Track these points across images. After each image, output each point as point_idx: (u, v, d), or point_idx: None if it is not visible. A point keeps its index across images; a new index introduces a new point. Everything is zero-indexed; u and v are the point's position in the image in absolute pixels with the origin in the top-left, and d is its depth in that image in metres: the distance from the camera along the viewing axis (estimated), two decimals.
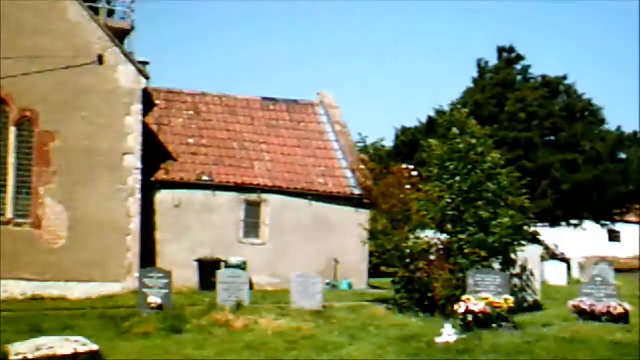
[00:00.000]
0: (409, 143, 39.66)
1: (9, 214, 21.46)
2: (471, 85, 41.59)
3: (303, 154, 26.48)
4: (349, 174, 26.08)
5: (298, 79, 60.70)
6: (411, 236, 19.50)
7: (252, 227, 24.91)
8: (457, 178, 19.13)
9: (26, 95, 21.67)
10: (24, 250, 21.32)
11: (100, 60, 22.41)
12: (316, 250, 24.87)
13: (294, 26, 66.31)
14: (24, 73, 21.46)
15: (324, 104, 28.38)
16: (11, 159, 21.55)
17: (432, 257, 19.17)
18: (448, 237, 19.28)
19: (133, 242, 22.26)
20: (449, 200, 19.03)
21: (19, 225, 21.51)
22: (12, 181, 21.50)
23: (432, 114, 40.04)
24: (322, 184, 25.73)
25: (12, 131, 21.63)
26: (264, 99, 28.08)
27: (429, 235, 19.65)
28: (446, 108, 36.10)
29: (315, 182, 25.68)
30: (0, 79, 21.29)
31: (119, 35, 27.32)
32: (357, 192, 25.21)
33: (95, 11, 27.09)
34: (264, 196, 24.98)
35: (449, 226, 19.25)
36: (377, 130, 71.33)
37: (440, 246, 19.36)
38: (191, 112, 26.64)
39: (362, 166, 24.96)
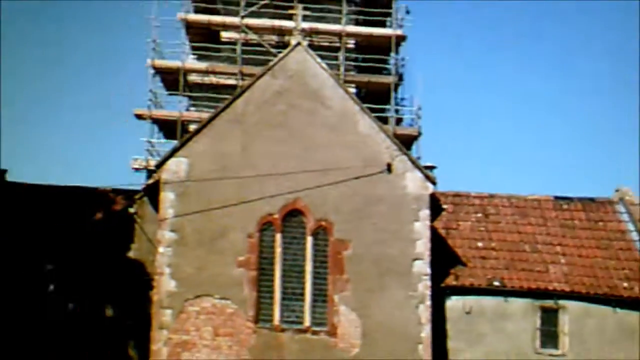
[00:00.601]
0: None
1: (307, 322, 22.19)
2: None
3: (603, 256, 25.12)
4: None
5: (592, 174, 58.52)
6: None
7: (549, 336, 23.76)
8: None
9: (321, 205, 22.60)
10: (320, 358, 21.87)
11: (389, 169, 22.94)
12: None
13: (581, 122, 64.32)
14: (318, 185, 22.54)
15: (624, 201, 27.01)
16: (308, 268, 22.43)
17: None
18: None
19: (425, 351, 22.04)
20: None
21: (315, 333, 22.14)
22: (309, 289, 22.32)
23: None
24: (627, 288, 24.12)
25: (309, 241, 22.56)
26: (557, 197, 27.17)
27: None
28: None
29: (619, 287, 24.15)
30: (298, 192, 22.57)
31: (407, 142, 28.15)
32: None
33: (384, 120, 28.24)
34: (561, 302, 23.85)
35: None
36: None
37: None
38: (479, 215, 26.37)
39: None
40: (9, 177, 25.54)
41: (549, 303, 23.76)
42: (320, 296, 22.32)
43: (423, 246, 22.61)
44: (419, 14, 52.15)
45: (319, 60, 23.63)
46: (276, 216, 22.44)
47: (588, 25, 64.83)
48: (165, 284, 21.67)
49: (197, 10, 30.15)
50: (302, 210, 22.60)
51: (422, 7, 59.41)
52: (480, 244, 25.16)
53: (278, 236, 22.41)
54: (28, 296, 22.49)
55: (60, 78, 59.32)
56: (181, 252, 21.85)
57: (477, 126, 63.28)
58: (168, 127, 28.37)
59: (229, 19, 29.29)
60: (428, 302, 22.30)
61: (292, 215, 22.61)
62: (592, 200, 27.08)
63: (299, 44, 23.69)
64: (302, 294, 22.31)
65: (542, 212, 26.41)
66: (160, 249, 21.87)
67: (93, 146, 56.83)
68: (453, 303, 23.65)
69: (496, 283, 23.95)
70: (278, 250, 22.35)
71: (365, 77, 29.34)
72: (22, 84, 57.50)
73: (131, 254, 23.55)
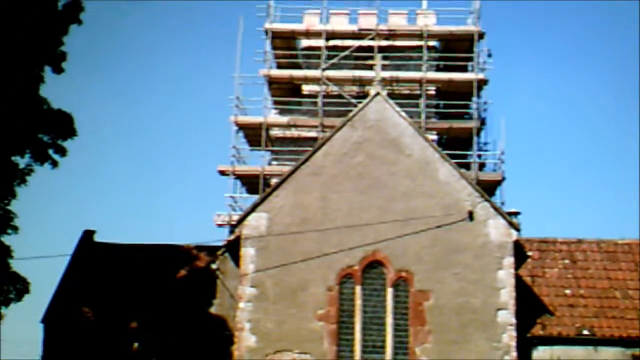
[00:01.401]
0: None
1: None
2: None
3: None
4: None
5: None
6: None
7: None
8: None
9: (401, 256, 22.49)
10: None
11: (471, 216, 22.66)
12: None
13: None
14: (398, 235, 22.44)
15: None
16: (389, 320, 22.26)
17: None
18: None
19: None
20: None
21: None
22: (390, 342, 22.11)
23: None
24: None
25: (389, 292, 22.43)
26: None
27: None
28: None
29: None
30: (377, 243, 22.51)
31: (490, 187, 27.74)
32: None
33: (467, 166, 27.95)
34: None
35: None
36: None
37: None
38: (567, 261, 25.70)
39: None
40: (98, 238, 26.57)
41: None
42: (402, 349, 22.10)
43: (507, 295, 22.15)
44: (501, 57, 51.98)
45: (397, 109, 23.69)
46: (356, 268, 22.44)
47: None
48: (245, 340, 21.88)
49: (280, 66, 30.80)
50: (382, 261, 22.54)
51: (504, 49, 59.18)
52: (568, 292, 24.50)
53: (358, 288, 22.38)
54: (113, 354, 23.09)
55: (145, 137, 61.17)
56: (261, 307, 22.06)
57: (562, 168, 61.96)
58: (250, 182, 28.87)
59: (310, 73, 29.77)
60: (514, 353, 21.79)
61: (372, 266, 22.57)
62: None
63: (378, 94, 23.84)
64: (383, 347, 22.13)
65: (634, 257, 25.56)
66: (241, 305, 22.13)
67: (179, 204, 58.17)
68: (540, 354, 23.04)
69: (585, 332, 23.25)
70: (358, 302, 22.31)
71: (446, 123, 29.20)
72: (107, 143, 59.44)
73: (213, 310, 23.96)
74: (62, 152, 19.66)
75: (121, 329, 23.41)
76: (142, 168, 61.11)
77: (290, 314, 22.06)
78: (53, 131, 19.50)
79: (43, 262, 21.13)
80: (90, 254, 25.69)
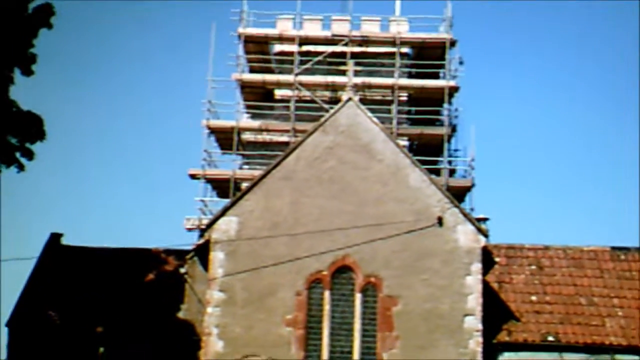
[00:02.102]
0: None
1: None
2: None
3: None
4: None
5: None
6: None
7: None
8: None
9: (371, 261, 22.57)
10: None
11: (440, 222, 22.78)
12: None
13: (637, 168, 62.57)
14: (368, 240, 22.52)
15: None
16: (357, 325, 22.32)
17: None
18: None
19: None
20: None
21: None
22: (357, 347, 22.16)
23: None
24: None
25: (358, 297, 22.49)
26: (614, 248, 26.47)
27: None
28: None
29: None
30: (347, 248, 22.56)
31: (460, 193, 27.98)
32: None
33: (437, 172, 28.14)
34: (618, 357, 23.20)
35: None
36: None
37: None
38: (533, 267, 25.87)
39: None
40: (65, 241, 26.46)
41: (606, 358, 23.16)
42: (369, 354, 22.16)
43: (475, 301, 22.30)
44: (472, 64, 52.30)
45: (369, 114, 23.79)
46: (325, 273, 22.49)
47: None
48: (212, 345, 21.85)
49: (252, 70, 30.84)
50: (351, 266, 22.60)
51: (476, 56, 59.62)
52: (534, 298, 24.69)
53: (326, 293, 22.43)
54: (79, 358, 22.96)
55: (116, 139, 60.84)
56: (230, 311, 22.06)
57: (531, 176, 62.39)
58: (221, 186, 28.89)
59: (283, 77, 29.86)
60: (479, 359, 21.97)
61: (341, 271, 22.63)
62: None
63: (350, 99, 23.93)
64: (351, 352, 22.20)
65: (599, 264, 25.80)
66: (209, 309, 22.11)
67: (148, 207, 57.88)
68: None
69: (551, 338, 23.43)
70: (326, 307, 22.36)
71: (418, 130, 29.42)
72: (76, 146, 59.08)
73: (181, 314, 23.94)
74: (30, 155, 19.50)
75: (87, 333, 23.29)
76: (111, 171, 60.75)
77: (258, 319, 22.06)
78: (21, 134, 19.37)
79: (9, 265, 21.10)
80: (57, 257, 25.59)
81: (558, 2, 60.69)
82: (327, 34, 30.16)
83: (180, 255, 24.89)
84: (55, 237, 26.40)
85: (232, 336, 21.92)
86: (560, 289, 25.03)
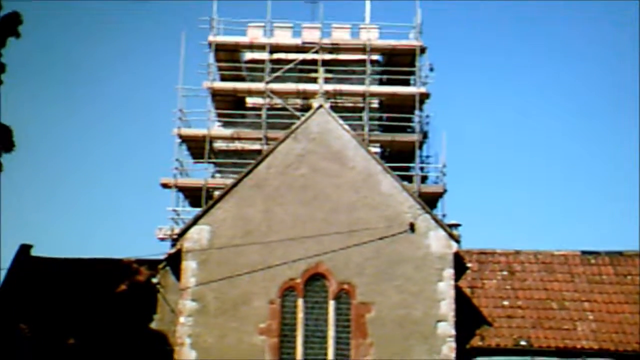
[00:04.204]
0: None
1: None
2: None
3: (632, 311, 24.45)
4: None
5: (619, 227, 57.18)
6: None
7: None
8: None
9: (343, 268, 22.58)
10: None
11: (412, 228, 22.85)
12: None
13: (607, 174, 63.04)
14: (341, 247, 22.53)
15: None
16: (330, 332, 22.32)
17: None
18: None
19: None
20: None
21: None
22: (331, 355, 22.14)
23: None
24: None
25: (331, 305, 22.49)
26: (584, 252, 26.65)
27: None
28: None
29: None
30: (320, 255, 22.54)
31: (432, 199, 28.10)
32: None
33: (409, 178, 28.24)
34: None
35: None
36: None
37: None
38: (505, 273, 25.98)
39: None
40: (35, 252, 26.19)
41: None
42: None
43: (447, 307, 22.38)
44: (443, 71, 52.54)
45: (341, 121, 23.83)
46: (298, 281, 22.47)
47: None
48: (185, 355, 21.74)
49: (223, 78, 30.79)
50: (324, 273, 22.59)
51: (446, 63, 59.99)
52: (506, 303, 24.78)
53: (300, 301, 22.40)
54: None
55: (85, 149, 60.45)
56: (202, 321, 21.95)
57: (502, 181, 62.89)
58: (193, 195, 28.76)
59: (254, 85, 29.86)
60: None
61: (314, 279, 22.61)
62: (620, 253, 26.49)
63: (321, 106, 23.96)
64: None
65: (569, 268, 25.94)
66: (181, 319, 21.98)
67: (120, 217, 57.52)
68: None
69: (523, 343, 23.51)
70: (300, 315, 22.33)
71: (389, 136, 29.52)
72: (45, 156, 58.57)
73: (153, 325, 23.76)
74: None
75: (59, 345, 22.99)
76: (82, 180, 60.18)
77: (231, 328, 21.98)
78: None
79: None
80: (27, 269, 25.27)
81: (528, 7, 61.45)
82: (297, 41, 30.22)
83: (152, 265, 24.74)
84: (24, 249, 26.09)
85: (205, 346, 21.81)
86: (532, 294, 25.14)
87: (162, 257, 24.26)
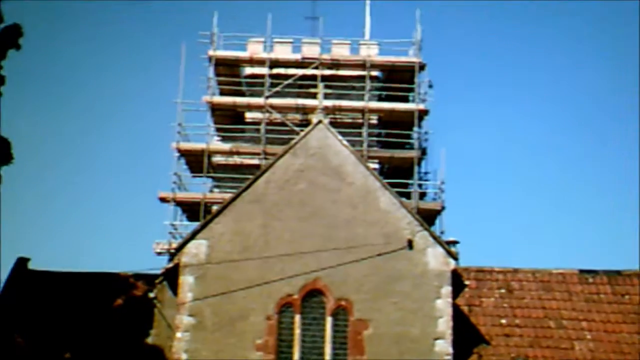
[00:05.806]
0: None
1: None
2: None
3: (630, 331, 24.44)
4: None
5: (618, 246, 57.33)
6: None
7: None
8: None
9: (341, 285, 22.48)
10: None
11: (410, 245, 22.80)
12: None
13: (607, 193, 63.19)
14: (339, 264, 22.46)
15: None
16: (327, 349, 22.21)
17: None
18: None
19: None
20: None
21: None
22: None
23: None
24: None
25: (329, 321, 22.40)
26: (582, 271, 26.59)
27: None
28: None
29: None
30: (318, 271, 22.45)
31: (430, 216, 28.07)
32: None
33: (408, 195, 28.22)
34: None
35: None
36: None
37: None
38: (503, 291, 25.90)
39: None
40: (32, 265, 26.10)
41: None
42: None
43: (445, 325, 22.29)
44: (442, 88, 52.73)
45: (340, 137, 23.82)
46: (295, 297, 22.38)
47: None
48: None
49: (223, 93, 30.81)
50: (322, 290, 22.51)
51: (445, 80, 60.18)
52: (504, 321, 24.72)
53: (297, 317, 22.31)
54: None
55: (83, 162, 60.48)
56: (199, 337, 21.84)
57: (501, 199, 62.99)
58: (191, 209, 28.73)
59: (253, 100, 29.89)
60: None
61: (312, 295, 22.51)
62: (618, 272, 26.45)
63: (320, 122, 23.95)
64: None
65: (567, 287, 25.89)
66: (178, 334, 21.87)
67: (117, 231, 57.47)
68: None
69: None
70: (297, 332, 22.23)
71: (388, 153, 29.52)
72: (43, 169, 58.59)
73: (150, 340, 23.62)
74: None
75: (55, 359, 22.93)
76: (80, 194, 60.30)
77: (228, 344, 21.86)
78: None
79: None
80: (24, 282, 25.16)
81: (525, 26, 61.71)
82: (297, 56, 30.27)
83: (150, 279, 24.62)
84: (21, 262, 25.98)
85: None
86: (530, 312, 25.09)
87: (159, 271, 24.13)
